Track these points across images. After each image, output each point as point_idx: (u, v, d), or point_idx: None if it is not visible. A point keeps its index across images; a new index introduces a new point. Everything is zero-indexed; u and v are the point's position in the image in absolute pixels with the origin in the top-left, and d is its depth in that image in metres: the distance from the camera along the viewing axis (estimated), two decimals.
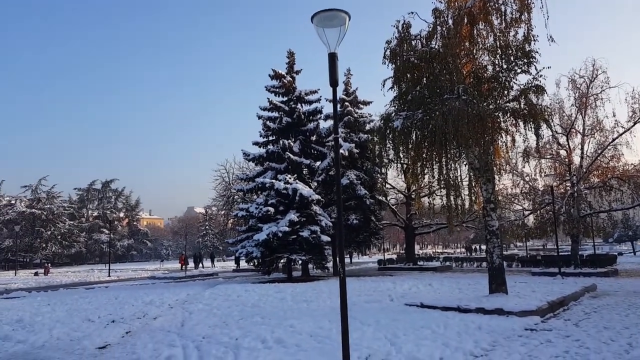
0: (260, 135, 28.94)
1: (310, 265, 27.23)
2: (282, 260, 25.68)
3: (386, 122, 13.66)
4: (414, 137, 13.52)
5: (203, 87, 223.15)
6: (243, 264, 37.13)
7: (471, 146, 13.03)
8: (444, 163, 13.33)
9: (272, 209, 23.91)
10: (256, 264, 25.25)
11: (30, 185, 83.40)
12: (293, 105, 28.39)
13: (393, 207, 34.75)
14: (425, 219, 34.08)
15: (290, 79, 28.59)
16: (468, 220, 28.43)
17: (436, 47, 13.98)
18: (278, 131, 28.23)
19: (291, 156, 26.24)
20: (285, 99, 28.78)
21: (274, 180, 24.81)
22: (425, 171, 13.75)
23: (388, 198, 33.81)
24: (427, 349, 8.26)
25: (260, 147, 28.76)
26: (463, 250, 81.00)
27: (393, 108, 14.13)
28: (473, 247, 74.48)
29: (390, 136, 13.59)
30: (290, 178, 24.71)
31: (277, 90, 28.66)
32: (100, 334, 10.71)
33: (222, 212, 73.23)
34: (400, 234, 69.23)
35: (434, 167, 13.51)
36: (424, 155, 13.58)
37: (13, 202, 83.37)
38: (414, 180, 15.96)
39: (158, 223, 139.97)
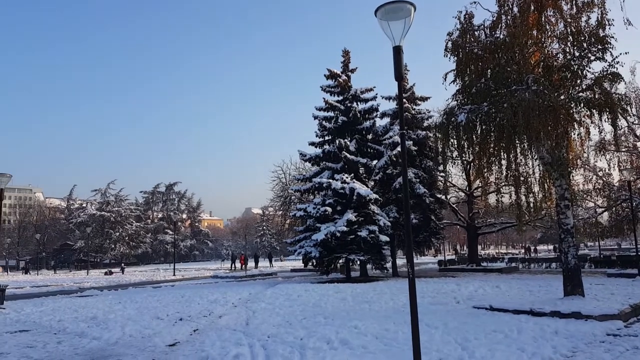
0: (316, 135, 28.97)
1: (368, 266, 26.94)
2: (340, 261, 25.54)
3: (448, 117, 13.16)
4: (479, 132, 12.93)
5: (261, 90, 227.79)
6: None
7: (542, 139, 12.28)
8: (512, 158, 12.67)
9: (329, 209, 23.82)
10: (314, 264, 25.27)
11: (99, 189, 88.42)
12: (349, 104, 28.20)
13: (454, 205, 33.71)
14: (489, 217, 32.79)
15: (346, 78, 28.42)
16: (537, 219, 27.00)
17: (501, 36, 13.35)
18: (334, 130, 28.13)
19: (347, 155, 26.05)
20: (340, 98, 28.65)
21: (330, 180, 24.72)
22: (492, 167, 13.13)
23: (448, 196, 32.79)
24: (502, 354, 7.82)
25: (316, 147, 28.78)
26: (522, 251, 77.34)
27: (455, 102, 13.62)
28: (532, 249, 70.96)
29: (454, 131, 13.08)
30: (347, 177, 24.53)
31: (333, 89, 28.57)
32: (169, 331, 10.99)
33: (279, 212, 74.15)
34: (461, 234, 67.28)
35: (501, 162, 12.88)
36: (490, 150, 12.97)
37: (84, 205, 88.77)
38: (478, 177, 15.33)
39: (218, 224, 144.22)
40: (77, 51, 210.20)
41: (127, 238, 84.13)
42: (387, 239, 24.15)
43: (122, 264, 58.31)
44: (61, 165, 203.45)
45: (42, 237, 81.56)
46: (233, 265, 49.77)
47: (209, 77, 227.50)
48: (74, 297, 22.01)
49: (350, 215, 23.03)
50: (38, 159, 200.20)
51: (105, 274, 48.56)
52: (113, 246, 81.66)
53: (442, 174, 27.84)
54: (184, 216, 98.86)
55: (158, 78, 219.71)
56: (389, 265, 26.46)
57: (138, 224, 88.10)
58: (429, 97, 30.19)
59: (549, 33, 13.56)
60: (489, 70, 13.29)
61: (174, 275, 41.77)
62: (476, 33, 13.66)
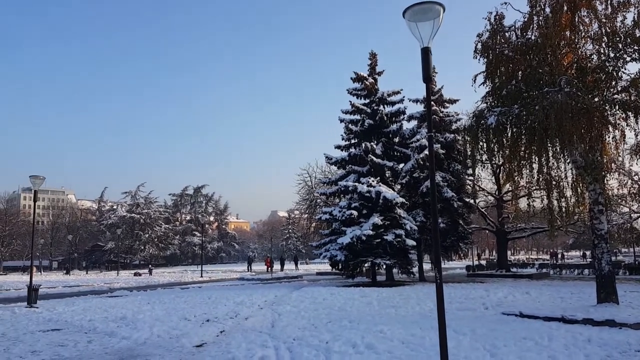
0: (342, 139, 28.94)
1: (395, 270, 26.70)
2: (366, 264, 25.39)
3: (478, 120, 12.95)
4: (509, 134, 12.68)
5: (286, 93, 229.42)
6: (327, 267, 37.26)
7: (575, 142, 11.95)
8: (543, 161, 12.36)
9: (355, 213, 23.73)
10: (340, 267, 25.18)
11: (130, 191, 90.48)
12: (375, 107, 28.08)
13: (483, 210, 33.11)
14: (519, 222, 32.08)
15: (372, 81, 28.32)
16: (570, 224, 26.24)
17: (533, 38, 13.07)
18: (360, 134, 28.04)
19: (374, 158, 25.92)
20: (367, 101, 28.56)
21: (356, 184, 24.63)
22: (523, 171, 12.84)
23: (477, 201, 32.22)
24: None
25: (342, 150, 28.74)
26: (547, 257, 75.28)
27: (485, 104, 13.40)
28: (559, 254, 69.01)
29: (483, 134, 12.85)
30: (373, 181, 24.39)
31: (359, 92, 28.51)
32: (196, 332, 11.11)
33: (305, 215, 74.37)
34: (489, 239, 66.11)
35: (533, 165, 12.58)
36: (520, 154, 12.69)
37: (115, 207, 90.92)
38: (508, 181, 15.01)
39: (244, 226, 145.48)
40: (107, 51, 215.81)
41: (156, 240, 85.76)
42: (414, 243, 23.90)
43: (150, 265, 59.93)
44: (93, 168, 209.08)
45: (74, 238, 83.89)
46: (250, 268, 52.63)
47: (238, 79, 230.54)
48: (104, 297, 22.51)
49: (376, 219, 22.88)
50: (70, 161, 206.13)
51: (135, 274, 49.64)
52: (142, 247, 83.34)
53: (470, 177, 27.43)
54: (212, 218, 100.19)
55: (185, 79, 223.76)
56: (415, 269, 26.17)
57: (167, 225, 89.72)
58: (457, 100, 29.78)
59: (583, 34, 13.21)
60: (519, 72, 13.03)
61: (202, 276, 42.32)
62: (507, 34, 13.41)
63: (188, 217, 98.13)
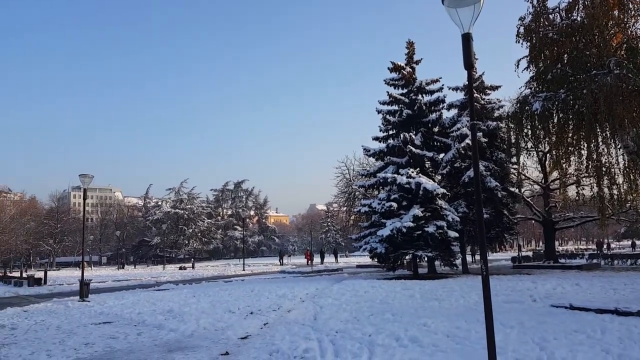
0: (380, 130, 28.63)
1: (437, 262, 26.31)
2: (407, 257, 25.11)
3: (522, 106, 12.53)
4: (555, 120, 12.21)
5: (324, 86, 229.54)
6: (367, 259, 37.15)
7: (627, 127, 11.37)
8: (593, 147, 11.84)
9: (394, 204, 23.47)
10: (380, 260, 25.03)
11: (173, 187, 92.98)
12: (413, 97, 27.62)
13: (528, 199, 32.06)
14: (567, 211, 30.89)
15: (410, 70, 27.84)
16: (621, 212, 24.99)
17: (578, 19, 12.49)
18: (398, 124, 27.67)
19: (413, 149, 25.53)
20: (405, 90, 28.12)
21: (395, 175, 24.35)
22: (570, 158, 12.32)
23: (522, 190, 31.20)
24: (585, 355, 7.31)
25: (380, 141, 28.45)
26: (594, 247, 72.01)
27: (529, 90, 12.96)
28: (604, 244, 65.80)
29: (528, 121, 12.40)
30: (412, 172, 24.04)
31: (397, 82, 28.10)
32: (241, 324, 11.31)
33: (344, 208, 74.37)
34: (536, 229, 64.20)
35: (581, 152, 12.09)
36: (568, 140, 12.20)
37: (160, 203, 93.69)
38: (555, 168, 14.45)
39: (284, 220, 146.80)
40: (153, 54, 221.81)
41: (199, 234, 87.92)
42: (456, 234, 23.42)
43: (192, 260, 61.74)
44: (138, 166, 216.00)
45: (122, 234, 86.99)
46: (281, 261, 54.07)
47: (271, 69, 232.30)
48: (152, 290, 23.25)
49: (417, 211, 22.56)
50: (116, 159, 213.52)
51: (180, 268, 51.14)
52: (187, 242, 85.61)
53: (515, 166, 26.60)
54: (252, 213, 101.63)
55: (222, 76, 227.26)
56: (458, 262, 25.67)
57: (209, 220, 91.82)
58: (499, 86, 28.79)
59: (632, 12, 12.52)
60: (565, 55, 12.51)
61: (244, 270, 43.06)
62: (550, 16, 12.88)
63: (229, 212, 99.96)
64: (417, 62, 28.42)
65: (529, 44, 12.81)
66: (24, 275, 35.02)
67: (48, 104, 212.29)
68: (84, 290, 19.24)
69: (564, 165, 12.93)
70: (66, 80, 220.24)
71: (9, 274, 42.18)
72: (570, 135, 12.22)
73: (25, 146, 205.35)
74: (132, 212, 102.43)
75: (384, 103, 28.38)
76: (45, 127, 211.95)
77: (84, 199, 21.18)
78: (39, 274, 33.42)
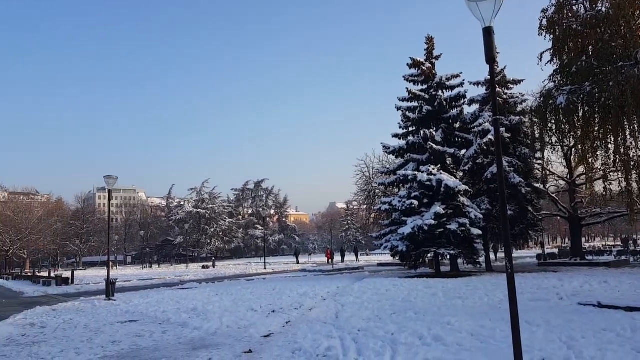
0: (400, 127, 28.40)
1: (459, 260, 26.02)
2: (429, 255, 24.89)
3: (546, 100, 12.27)
4: (580, 114, 11.93)
5: (343, 83, 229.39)
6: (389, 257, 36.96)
7: None
8: (620, 141, 11.52)
9: (415, 202, 23.28)
10: (401, 258, 24.87)
11: (195, 187, 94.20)
12: (433, 93, 27.32)
13: (553, 195, 31.40)
14: (594, 207, 30.14)
15: (430, 66, 27.55)
16: None
17: (603, 9, 12.16)
18: (418, 121, 27.41)
19: (433, 146, 25.26)
20: (424, 86, 27.85)
21: (416, 172, 24.14)
22: (597, 152, 12.02)
23: (547, 186, 30.54)
24: (614, 354, 7.12)
25: (399, 138, 28.24)
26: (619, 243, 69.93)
27: (553, 83, 12.68)
28: (631, 240, 63.87)
29: (552, 115, 12.14)
30: (433, 169, 23.80)
31: (416, 78, 27.84)
32: (263, 322, 11.37)
33: (364, 206, 74.17)
34: (561, 226, 63.02)
35: (608, 146, 11.79)
36: (594, 134, 11.91)
37: (182, 203, 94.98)
38: (581, 163, 14.12)
39: (304, 219, 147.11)
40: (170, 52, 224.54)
41: (221, 233, 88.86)
42: (479, 232, 23.10)
43: (213, 259, 62.67)
44: (160, 166, 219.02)
45: (146, 233, 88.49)
46: (297, 260, 55.81)
47: (288, 66, 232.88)
48: (176, 289, 23.57)
49: (438, 208, 22.34)
50: (139, 160, 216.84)
51: (202, 267, 51.83)
52: (209, 241, 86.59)
53: (539, 161, 26.08)
54: (272, 212, 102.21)
55: (241, 74, 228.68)
56: (481, 259, 25.33)
57: (230, 219, 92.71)
58: (521, 80, 28.18)
59: None
60: (590, 47, 12.20)
61: (265, 268, 43.34)
62: (574, 8, 12.59)
63: (250, 211, 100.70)
64: (437, 58, 28.10)
65: (552, 36, 12.54)
66: (52, 275, 35.94)
67: (72, 106, 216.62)
68: (110, 289, 19.60)
69: (590, 159, 12.61)
70: (94, 81, 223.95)
71: (38, 274, 43.36)
72: (596, 129, 11.93)
73: (52, 148, 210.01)
74: (155, 212, 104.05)
75: (403, 99, 28.16)
76: (71, 130, 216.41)
77: (109, 199, 21.55)
78: (67, 274, 34.23)
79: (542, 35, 12.76)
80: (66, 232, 76.62)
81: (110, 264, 21.98)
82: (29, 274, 47.34)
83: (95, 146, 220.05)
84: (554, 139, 12.86)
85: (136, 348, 9.29)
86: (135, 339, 10.15)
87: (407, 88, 27.88)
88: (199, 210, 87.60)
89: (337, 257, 49.98)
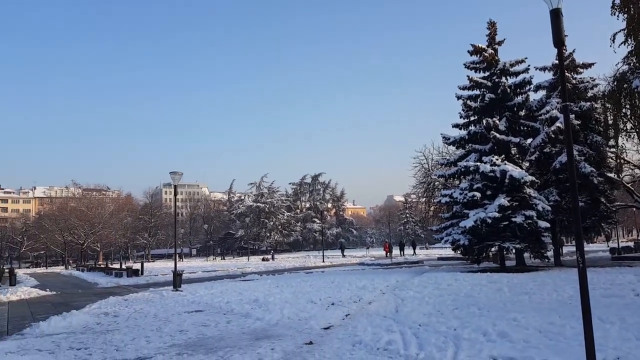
0: (460, 117, 27.53)
1: (526, 254, 24.98)
2: (492, 249, 24.06)
3: (620, 84, 11.46)
4: None
5: (400, 75, 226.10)
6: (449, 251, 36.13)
7: None
8: None
9: (478, 194, 22.54)
10: (463, 252, 24.21)
11: (254, 182, 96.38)
12: (496, 80, 26.25)
13: (628, 185, 29.34)
14: None
15: (492, 52, 26.47)
16: None
17: None
18: (480, 110, 26.46)
19: (497, 135, 24.30)
20: (486, 74, 26.81)
21: (478, 163, 23.36)
22: None
23: (621, 175, 28.55)
24: None
25: (460, 128, 27.39)
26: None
27: (627, 66, 11.80)
28: None
29: (627, 99, 11.33)
30: (497, 159, 22.92)
31: (477, 65, 26.85)
32: (323, 315, 11.48)
33: (423, 199, 72.91)
34: (637, 218, 59.08)
35: None
36: None
37: (243, 197, 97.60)
38: None
39: (361, 212, 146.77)
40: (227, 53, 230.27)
41: (279, 227, 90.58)
42: (547, 224, 22.02)
43: (272, 252, 64.32)
44: (222, 161, 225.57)
45: (209, 227, 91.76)
46: (343, 254, 56.91)
47: (337, 60, 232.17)
48: (238, 281, 24.30)
49: (503, 200, 21.51)
50: (203, 156, 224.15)
51: (262, 260, 53.16)
52: (268, 234, 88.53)
53: (612, 149, 24.39)
54: (329, 205, 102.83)
55: (298, 69, 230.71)
56: (550, 253, 24.15)
57: (289, 213, 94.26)
58: (592, 64, 26.35)
59: None
60: None
61: (323, 261, 43.68)
62: None
63: (307, 205, 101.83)
64: (500, 43, 26.96)
65: (626, 15, 11.63)
66: (123, 266, 38.07)
67: (141, 105, 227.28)
68: (177, 280, 20.50)
69: None
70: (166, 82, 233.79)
71: (110, 266, 46.12)
72: None
73: (121, 146, 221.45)
74: (217, 206, 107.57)
75: (464, 88, 27.28)
76: (139, 127, 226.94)
77: (175, 194, 22.51)
78: (137, 266, 36.15)
79: (614, 14, 11.87)
80: (135, 225, 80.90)
81: (177, 256, 22.97)
82: (102, 265, 50.34)
83: (159, 144, 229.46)
84: (628, 125, 11.93)
85: (202, 337, 9.66)
86: (201, 328, 10.57)
87: (467, 76, 26.96)
88: (258, 204, 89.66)
89: (396, 251, 49.54)
